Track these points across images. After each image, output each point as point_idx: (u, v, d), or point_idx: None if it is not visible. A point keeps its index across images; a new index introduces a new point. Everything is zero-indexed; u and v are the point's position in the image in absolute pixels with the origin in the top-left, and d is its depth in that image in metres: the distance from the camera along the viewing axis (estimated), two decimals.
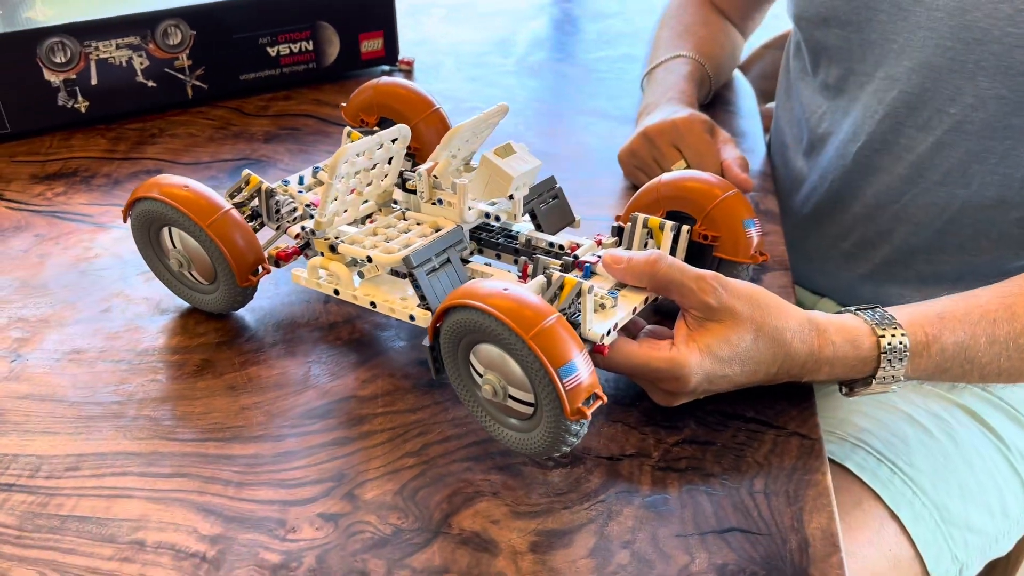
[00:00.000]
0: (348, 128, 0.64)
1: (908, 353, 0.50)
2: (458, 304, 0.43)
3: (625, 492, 0.46)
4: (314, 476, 0.47)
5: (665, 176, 0.58)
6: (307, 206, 0.59)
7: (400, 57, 0.97)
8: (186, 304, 0.60)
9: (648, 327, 0.54)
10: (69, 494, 0.46)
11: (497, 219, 0.55)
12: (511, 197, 0.54)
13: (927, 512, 0.60)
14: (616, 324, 0.49)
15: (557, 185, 0.60)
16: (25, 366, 0.54)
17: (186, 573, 0.42)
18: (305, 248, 0.57)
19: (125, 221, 0.57)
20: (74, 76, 0.80)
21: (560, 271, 0.53)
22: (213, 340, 0.57)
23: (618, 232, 0.56)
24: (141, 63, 0.83)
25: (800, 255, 0.80)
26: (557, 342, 0.41)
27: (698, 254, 0.57)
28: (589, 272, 0.53)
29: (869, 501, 0.61)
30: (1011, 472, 0.65)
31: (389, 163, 0.56)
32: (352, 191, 0.55)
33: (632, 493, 0.46)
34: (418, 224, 0.55)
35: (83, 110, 0.82)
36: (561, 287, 0.47)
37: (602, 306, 0.49)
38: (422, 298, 0.50)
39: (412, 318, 0.52)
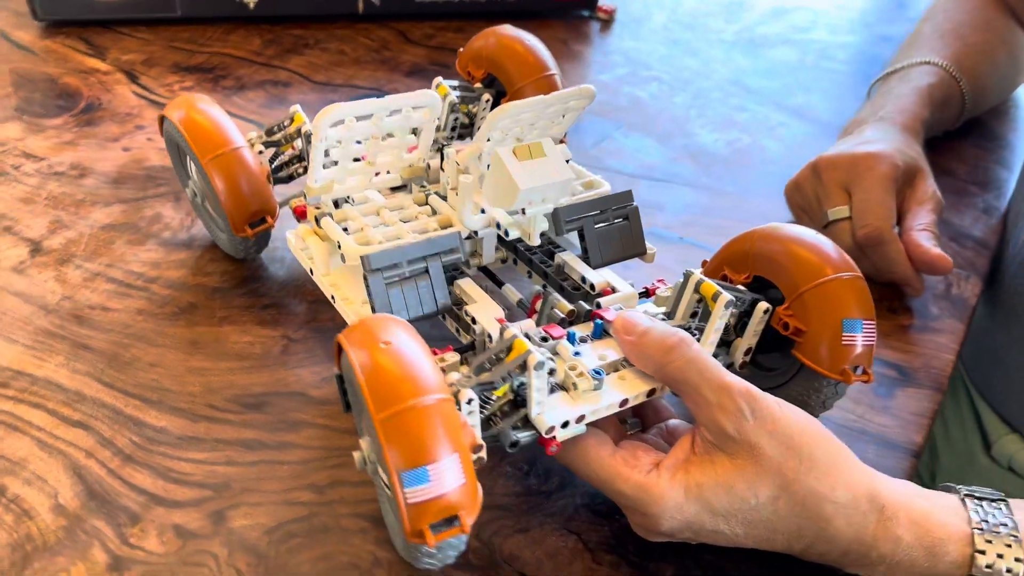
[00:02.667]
0: (438, 79, 0.55)
1: None
2: (340, 342, 0.34)
3: None
4: (199, 477, 0.41)
5: (766, 228, 0.43)
6: (356, 160, 0.51)
7: (601, 3, 0.85)
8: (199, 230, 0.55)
9: (671, 423, 0.40)
10: None
11: (507, 234, 0.44)
12: (523, 212, 0.42)
13: None
14: (585, 416, 0.36)
15: (633, 204, 0.46)
16: (37, 262, 0.53)
17: (13, 542, 0.38)
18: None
19: (162, 135, 0.53)
20: None
21: (565, 317, 0.41)
22: (212, 284, 0.52)
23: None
24: None
25: (995, 363, 0.59)
26: (412, 435, 0.30)
27: (775, 344, 0.41)
28: (599, 332, 0.40)
29: None
30: None
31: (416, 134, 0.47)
32: (363, 158, 0.46)
33: None
34: (433, 214, 0.46)
35: (251, 6, 0.80)
36: (509, 349, 0.36)
37: (575, 386, 0.37)
38: (373, 311, 0.41)
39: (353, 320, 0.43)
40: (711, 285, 0.39)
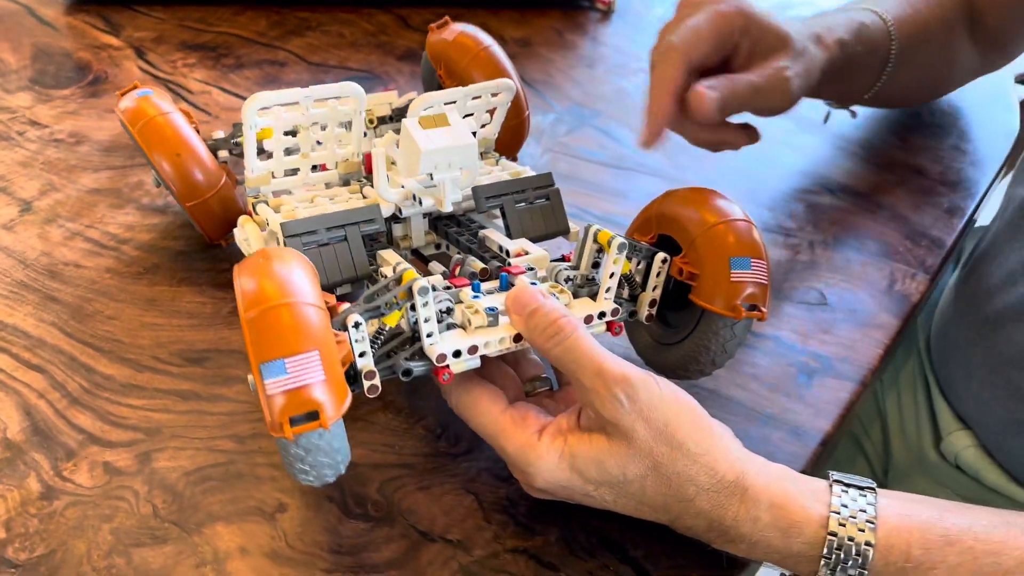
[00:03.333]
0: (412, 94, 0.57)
1: (866, 571, 0.34)
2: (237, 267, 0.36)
3: None
4: (134, 421, 0.44)
5: (667, 192, 0.44)
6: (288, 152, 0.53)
7: None
8: None
9: (561, 392, 0.42)
10: None
11: (419, 202, 0.46)
12: (431, 178, 0.44)
13: None
14: (477, 348, 0.38)
15: (554, 186, 0.48)
16: (25, 220, 0.57)
17: None
18: None
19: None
20: None
21: (474, 273, 0.43)
22: (178, 247, 0.56)
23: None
24: None
25: (960, 358, 0.59)
26: (274, 329, 0.32)
27: (682, 302, 0.43)
28: (505, 284, 0.42)
29: None
30: None
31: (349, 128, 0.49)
32: (299, 153, 0.48)
33: None
34: (364, 198, 0.48)
35: None
36: (398, 281, 0.38)
37: (469, 322, 0.39)
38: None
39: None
40: (606, 232, 0.41)
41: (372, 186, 0.47)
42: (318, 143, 0.49)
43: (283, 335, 0.32)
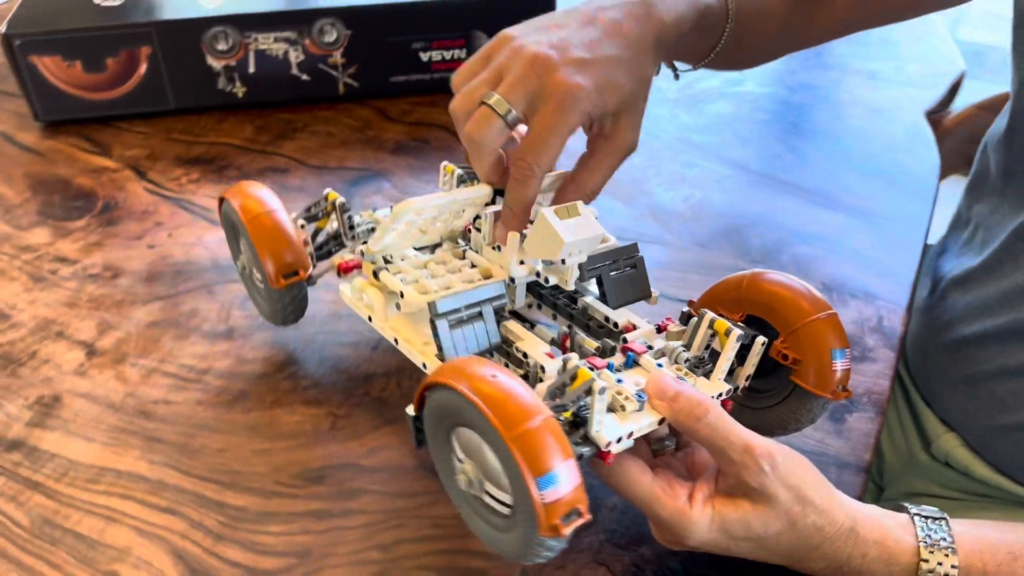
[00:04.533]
0: (445, 162, 0.62)
1: None
2: (441, 382, 0.41)
3: None
4: (282, 547, 0.48)
5: (752, 275, 0.52)
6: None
7: None
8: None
9: (682, 454, 0.49)
10: (79, 507, 0.50)
11: (546, 280, 0.52)
12: (563, 262, 0.51)
13: None
14: (632, 432, 0.45)
15: (639, 255, 0.55)
16: (95, 363, 0.60)
17: None
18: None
19: (220, 217, 0.61)
20: (234, 63, 0.85)
21: (595, 352, 0.50)
22: (257, 370, 0.59)
23: (686, 320, 0.51)
24: (296, 56, 0.86)
25: (936, 370, 0.70)
26: (540, 448, 0.38)
27: (772, 370, 0.51)
28: (631, 362, 0.49)
29: None
30: None
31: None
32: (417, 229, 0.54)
33: None
34: (472, 267, 0.54)
35: (240, 95, 0.87)
36: (573, 378, 0.44)
37: (623, 408, 0.45)
38: (439, 348, 0.48)
39: (424, 366, 0.51)
40: (723, 322, 0.48)
41: (474, 250, 0.55)
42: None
43: (550, 451, 0.38)
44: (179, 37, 0.83)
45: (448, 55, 0.89)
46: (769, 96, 0.96)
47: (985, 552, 0.44)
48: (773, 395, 0.51)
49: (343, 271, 0.56)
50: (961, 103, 1.01)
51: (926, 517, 0.45)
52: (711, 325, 0.48)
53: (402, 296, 0.50)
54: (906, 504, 0.46)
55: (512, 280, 0.52)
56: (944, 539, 0.44)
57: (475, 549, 0.48)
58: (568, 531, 0.37)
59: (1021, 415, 0.63)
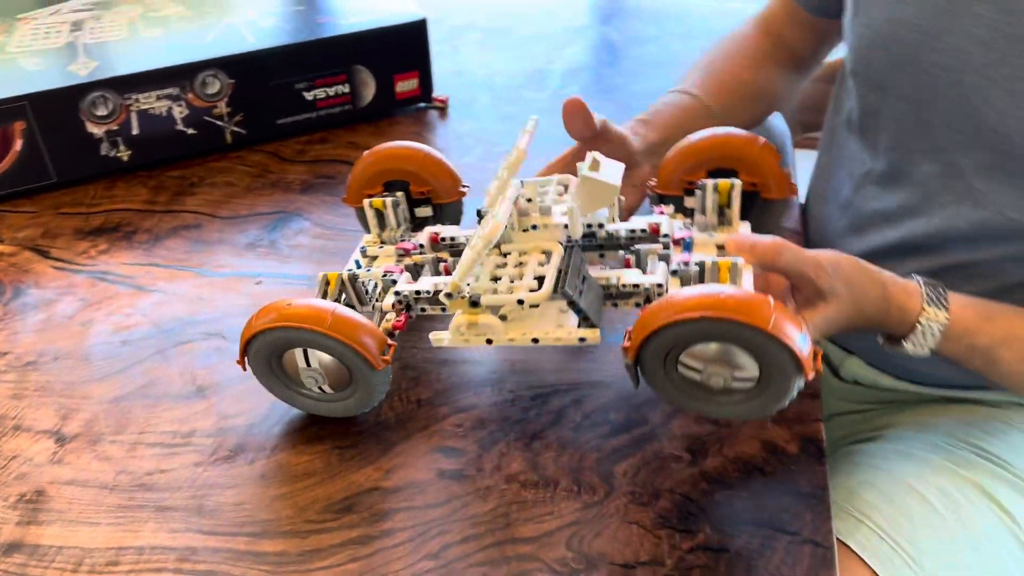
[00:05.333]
0: (368, 200, 0.65)
1: (938, 336, 0.58)
2: (677, 320, 0.47)
3: None
4: None
5: (698, 136, 0.63)
6: (384, 277, 0.60)
7: (435, 95, 0.98)
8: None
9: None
10: None
11: (601, 226, 0.60)
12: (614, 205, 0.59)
13: None
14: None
15: None
16: (69, 448, 0.57)
17: None
18: (407, 311, 0.59)
19: (244, 369, 0.56)
20: (116, 127, 0.82)
21: (661, 255, 0.58)
22: (245, 422, 0.59)
23: (675, 201, 0.63)
24: (181, 112, 0.85)
25: None
26: (788, 325, 0.46)
27: (745, 201, 0.61)
28: (690, 245, 0.58)
29: None
30: (1021, 551, 0.65)
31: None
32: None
33: None
34: (523, 254, 0.57)
35: (125, 159, 0.84)
36: (701, 270, 0.56)
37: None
38: (585, 319, 0.54)
39: (583, 340, 0.55)
40: (725, 182, 0.59)
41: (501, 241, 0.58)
42: None
43: (791, 324, 0.47)
44: (55, 108, 0.79)
45: (331, 91, 0.91)
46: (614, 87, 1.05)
47: (965, 313, 0.58)
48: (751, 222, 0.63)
49: (397, 329, 0.58)
50: None
51: (930, 285, 0.59)
52: (715, 189, 0.59)
53: (521, 303, 0.54)
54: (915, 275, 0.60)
55: (571, 241, 0.58)
56: (941, 300, 0.58)
57: (519, 536, 0.52)
58: (819, 365, 0.48)
59: None
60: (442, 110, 0.98)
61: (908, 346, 0.58)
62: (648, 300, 0.56)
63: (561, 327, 0.56)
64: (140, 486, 0.55)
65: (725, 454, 0.57)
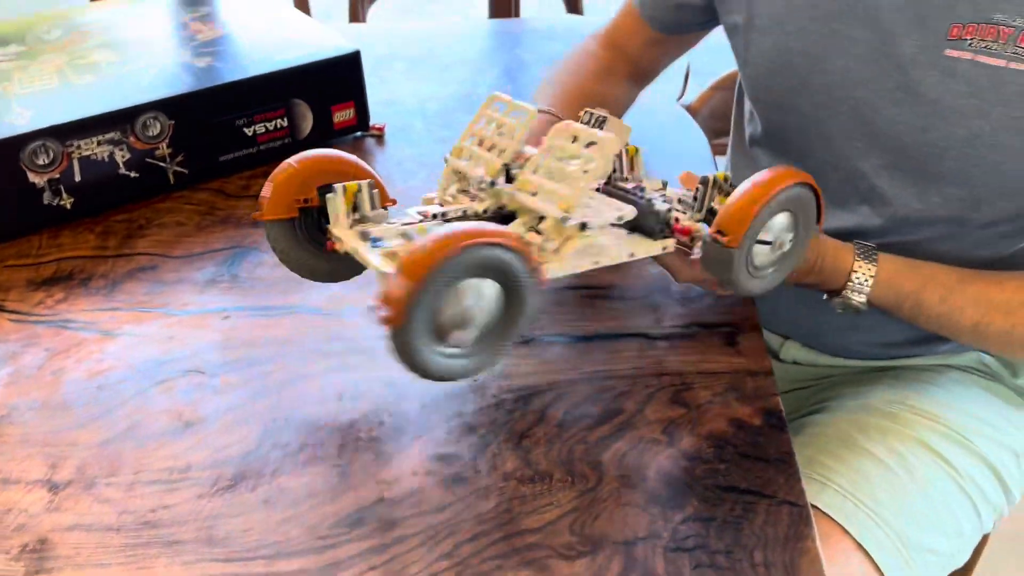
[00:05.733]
0: (341, 186, 0.60)
1: (870, 284, 0.66)
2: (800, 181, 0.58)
3: None
4: None
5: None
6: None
7: (372, 123, 1.00)
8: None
9: None
10: None
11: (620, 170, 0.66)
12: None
13: (890, 541, 0.67)
14: None
15: None
16: (65, 495, 0.57)
17: None
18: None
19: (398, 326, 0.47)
20: (58, 175, 0.82)
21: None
22: (239, 451, 0.60)
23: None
24: (123, 156, 0.84)
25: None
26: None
27: None
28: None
29: (837, 535, 0.68)
30: (963, 495, 0.72)
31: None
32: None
33: None
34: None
35: (68, 207, 0.84)
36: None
37: None
38: (711, 212, 0.61)
39: (665, 248, 0.61)
40: (721, 174, 0.62)
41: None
42: None
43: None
44: None
45: (271, 126, 0.92)
46: None
47: (892, 263, 0.66)
48: None
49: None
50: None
51: (863, 245, 0.66)
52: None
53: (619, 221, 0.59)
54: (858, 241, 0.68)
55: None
56: (871, 255, 0.66)
57: (525, 528, 0.55)
58: None
59: (830, 313, 0.81)
60: (379, 138, 1.01)
61: (848, 294, 0.66)
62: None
63: (636, 244, 0.60)
64: (145, 524, 0.55)
65: (698, 433, 0.62)
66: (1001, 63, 0.61)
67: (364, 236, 0.58)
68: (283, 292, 0.75)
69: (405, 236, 0.58)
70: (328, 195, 0.60)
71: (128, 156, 0.85)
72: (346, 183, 0.60)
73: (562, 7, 1.72)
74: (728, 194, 0.60)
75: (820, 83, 0.70)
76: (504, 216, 0.60)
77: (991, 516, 0.75)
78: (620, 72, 0.91)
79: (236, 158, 0.92)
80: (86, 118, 0.81)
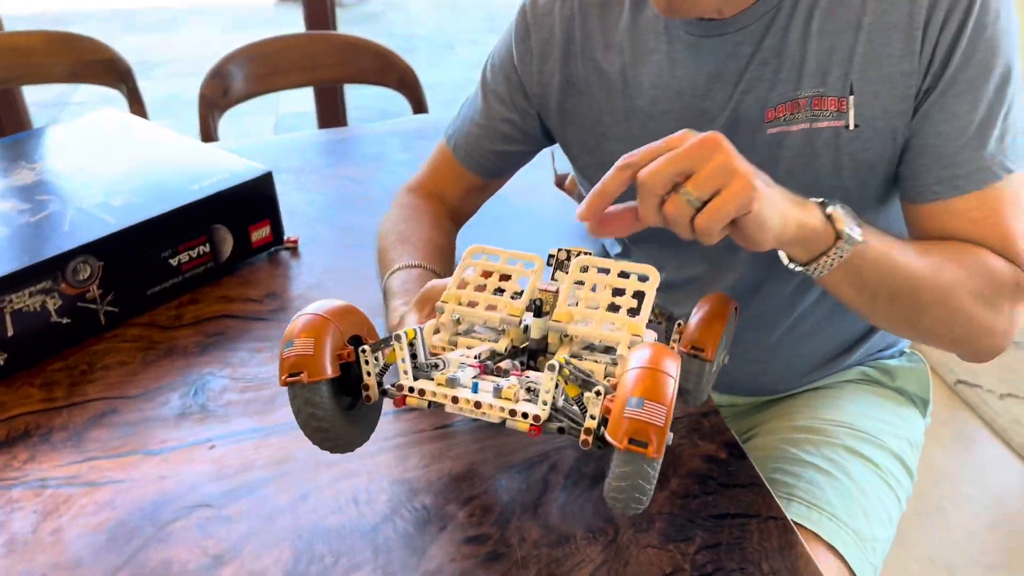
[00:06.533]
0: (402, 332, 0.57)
1: (855, 219, 0.66)
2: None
3: None
4: None
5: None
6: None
7: (286, 237, 1.04)
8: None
9: None
10: None
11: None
12: None
13: (851, 539, 0.79)
14: None
15: None
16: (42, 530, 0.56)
17: None
18: None
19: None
20: None
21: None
22: (281, 570, 0.62)
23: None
24: (54, 304, 0.83)
25: None
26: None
27: None
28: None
29: (811, 540, 0.78)
30: (886, 487, 0.86)
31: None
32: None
33: None
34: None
35: (2, 363, 0.81)
36: None
37: None
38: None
39: None
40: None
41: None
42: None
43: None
44: None
45: (194, 253, 0.94)
46: None
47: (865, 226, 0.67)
48: None
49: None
50: None
51: (825, 203, 0.66)
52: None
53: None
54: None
55: None
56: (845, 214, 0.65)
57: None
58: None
59: (740, 363, 0.92)
60: (293, 250, 1.05)
61: (842, 227, 0.64)
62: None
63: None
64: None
65: (681, 473, 0.71)
66: (807, 126, 0.76)
67: (452, 383, 0.56)
68: (259, 413, 0.77)
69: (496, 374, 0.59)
70: (387, 346, 0.58)
71: (60, 303, 0.84)
72: (405, 329, 0.58)
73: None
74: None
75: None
76: (529, 350, 0.64)
77: (904, 498, 0.89)
78: (446, 219, 0.97)
79: (163, 289, 0.92)
80: (17, 271, 0.80)
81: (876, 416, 0.91)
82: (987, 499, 1.73)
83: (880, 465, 0.87)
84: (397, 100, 1.76)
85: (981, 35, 0.70)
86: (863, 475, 0.85)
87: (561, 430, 0.55)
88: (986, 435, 1.89)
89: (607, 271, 0.63)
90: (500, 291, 0.65)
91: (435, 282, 0.72)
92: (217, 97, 1.63)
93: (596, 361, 0.61)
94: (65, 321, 0.85)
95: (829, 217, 0.65)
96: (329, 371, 0.56)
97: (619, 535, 0.65)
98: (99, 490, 0.69)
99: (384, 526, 0.66)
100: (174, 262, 0.92)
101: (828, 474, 0.84)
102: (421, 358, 0.59)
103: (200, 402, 0.79)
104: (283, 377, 0.55)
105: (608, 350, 0.62)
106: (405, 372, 0.57)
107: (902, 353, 0.99)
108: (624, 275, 0.63)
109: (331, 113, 2.38)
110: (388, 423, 0.76)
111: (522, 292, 0.64)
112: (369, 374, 0.58)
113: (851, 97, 0.74)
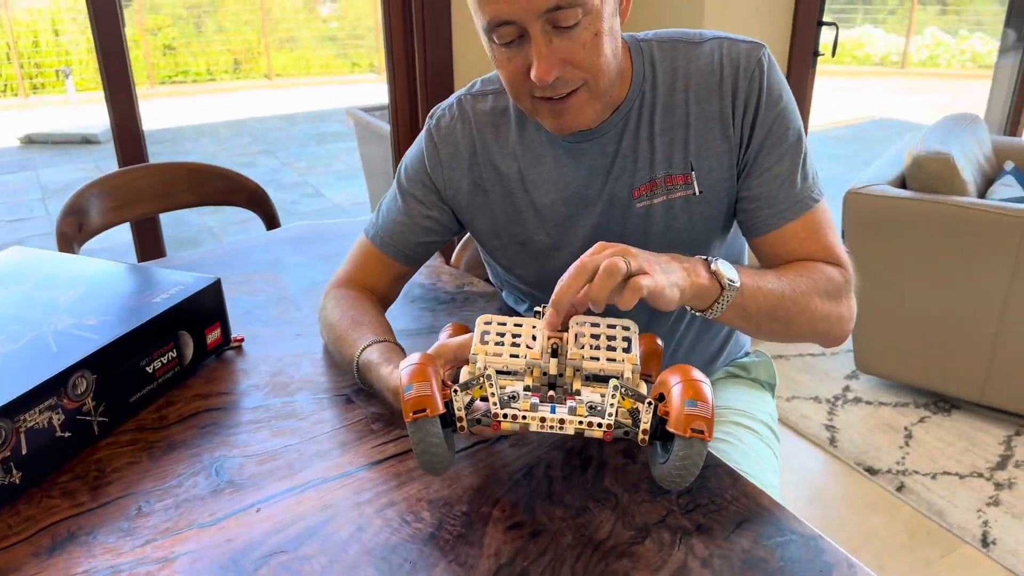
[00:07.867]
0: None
1: (736, 273, 0.89)
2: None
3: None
4: None
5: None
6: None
7: (233, 336, 1.14)
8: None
9: None
10: None
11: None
12: None
13: (755, 482, 1.03)
14: None
15: None
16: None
17: None
18: None
19: None
20: (9, 453, 0.83)
21: None
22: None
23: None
24: (58, 419, 0.88)
25: None
26: None
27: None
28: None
29: None
30: (767, 448, 1.13)
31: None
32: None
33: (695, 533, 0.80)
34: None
35: (18, 482, 0.85)
36: None
37: None
38: None
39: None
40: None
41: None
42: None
43: None
44: None
45: (165, 359, 1.02)
46: None
47: (744, 270, 0.92)
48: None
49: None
50: None
51: (711, 259, 0.89)
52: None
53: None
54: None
55: None
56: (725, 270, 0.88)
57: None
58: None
59: None
60: (239, 347, 1.15)
61: (721, 270, 0.86)
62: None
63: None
64: None
65: (651, 478, 0.91)
66: (665, 198, 1.03)
67: (534, 407, 0.77)
68: (285, 477, 0.88)
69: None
70: (472, 386, 0.78)
71: (63, 417, 0.89)
72: (487, 372, 0.78)
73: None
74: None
75: (559, 262, 1.04)
76: (549, 382, 0.83)
77: (778, 454, 1.16)
78: (379, 304, 1.13)
79: (142, 396, 0.99)
80: (29, 391, 0.85)
81: (745, 399, 1.19)
82: (796, 476, 2.10)
83: (760, 432, 1.14)
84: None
85: (771, 113, 1.00)
86: (750, 440, 1.11)
87: (626, 433, 0.76)
88: (785, 430, 2.29)
89: (597, 324, 0.85)
90: (515, 344, 0.84)
91: (445, 342, 0.88)
92: (73, 232, 1.65)
93: (593, 390, 0.81)
94: (67, 435, 0.90)
95: (714, 273, 0.89)
96: (441, 407, 0.73)
97: (619, 499, 0.84)
98: (174, 563, 0.77)
99: (439, 532, 0.80)
100: (149, 369, 1.00)
101: (729, 443, 1.09)
102: (497, 388, 0.77)
103: (226, 479, 0.88)
104: (409, 414, 0.71)
105: (603, 379, 0.82)
106: (495, 404, 0.75)
107: (747, 354, 1.28)
108: (611, 326, 0.85)
109: (152, 244, 2.41)
110: (406, 460, 0.90)
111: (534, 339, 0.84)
112: (460, 408, 0.75)
113: (693, 172, 1.01)
